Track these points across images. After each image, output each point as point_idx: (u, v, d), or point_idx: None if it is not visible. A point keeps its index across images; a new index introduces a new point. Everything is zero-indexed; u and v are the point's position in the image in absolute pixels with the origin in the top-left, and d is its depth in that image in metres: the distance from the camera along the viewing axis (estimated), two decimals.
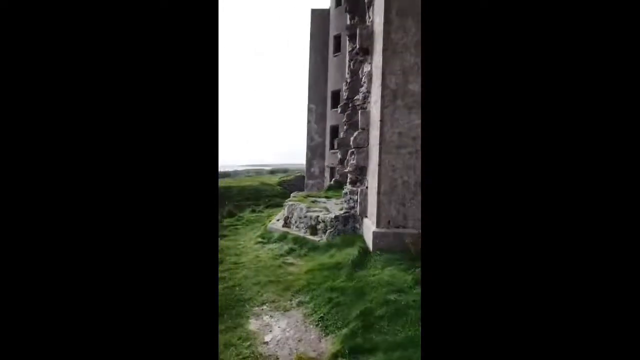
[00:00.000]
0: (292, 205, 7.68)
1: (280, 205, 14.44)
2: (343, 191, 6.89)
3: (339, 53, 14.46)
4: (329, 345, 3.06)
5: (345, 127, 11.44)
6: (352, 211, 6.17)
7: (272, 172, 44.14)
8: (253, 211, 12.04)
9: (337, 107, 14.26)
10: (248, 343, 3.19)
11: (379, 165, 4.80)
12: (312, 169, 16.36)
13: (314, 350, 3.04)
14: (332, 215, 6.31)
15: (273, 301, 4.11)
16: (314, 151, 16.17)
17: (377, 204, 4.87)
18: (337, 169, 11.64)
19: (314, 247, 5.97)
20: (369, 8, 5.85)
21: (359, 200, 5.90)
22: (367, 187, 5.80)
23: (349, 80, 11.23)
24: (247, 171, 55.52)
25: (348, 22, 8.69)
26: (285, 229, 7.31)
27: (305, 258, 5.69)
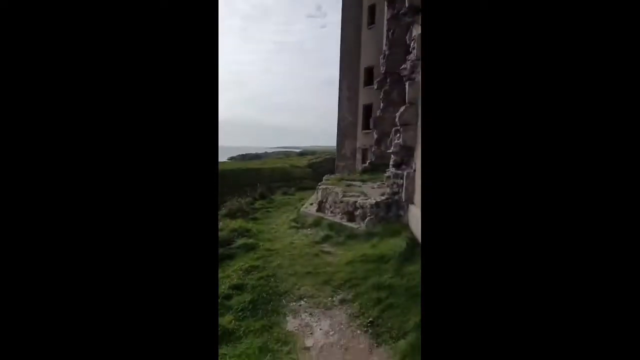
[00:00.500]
0: (326, 189, 7.13)
1: (311, 188, 14.02)
2: (386, 174, 6.19)
3: (374, 25, 13.22)
4: None
5: (382, 104, 10.53)
6: (396, 197, 5.48)
7: (301, 154, 43.94)
8: (284, 194, 11.72)
9: (371, 84, 13.26)
10: (287, 348, 2.75)
11: None
12: (343, 151, 15.63)
13: None
14: (372, 201, 5.68)
15: (311, 296, 3.64)
16: (345, 132, 15.36)
17: None
18: (373, 149, 10.86)
19: (352, 235, 5.42)
20: None
21: (404, 184, 5.19)
22: (414, 170, 5.06)
23: (387, 53, 10.19)
24: (277, 153, 55.87)
25: None
26: (320, 214, 6.81)
27: (343, 247, 5.16)
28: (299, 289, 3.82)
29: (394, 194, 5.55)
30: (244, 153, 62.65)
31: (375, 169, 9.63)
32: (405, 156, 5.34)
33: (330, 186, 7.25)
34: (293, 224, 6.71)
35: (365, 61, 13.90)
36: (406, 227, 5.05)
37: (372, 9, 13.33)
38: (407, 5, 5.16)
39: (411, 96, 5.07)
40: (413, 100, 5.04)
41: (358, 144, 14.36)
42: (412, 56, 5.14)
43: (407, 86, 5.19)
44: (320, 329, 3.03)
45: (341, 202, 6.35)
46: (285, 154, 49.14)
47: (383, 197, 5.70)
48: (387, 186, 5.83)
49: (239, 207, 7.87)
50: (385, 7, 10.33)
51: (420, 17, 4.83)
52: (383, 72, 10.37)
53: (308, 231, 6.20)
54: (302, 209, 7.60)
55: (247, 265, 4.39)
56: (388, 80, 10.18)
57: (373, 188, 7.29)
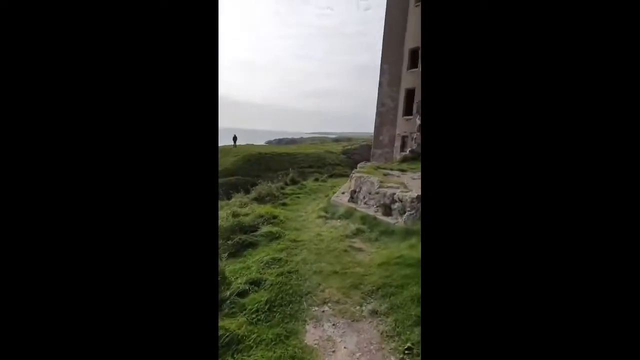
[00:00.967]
0: (360, 177, 6.47)
1: (344, 175, 13.38)
2: None
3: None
4: None
5: None
6: None
7: (337, 140, 43.11)
8: (316, 180, 11.22)
9: (415, 67, 12.05)
10: None
11: None
12: (381, 137, 14.65)
13: None
14: (414, 194, 4.93)
15: (337, 301, 3.11)
16: (384, 117, 14.33)
17: None
18: (415, 137, 9.88)
19: (388, 232, 4.76)
20: None
21: None
22: None
23: None
24: (312, 139, 55.58)
25: None
26: (352, 205, 6.20)
27: (376, 244, 4.54)
28: (323, 290, 3.31)
29: None
30: (281, 137, 63.27)
31: (417, 158, 8.71)
32: None
33: (365, 175, 6.58)
34: (322, 213, 6.19)
35: (410, 42, 12.63)
36: None
37: None
38: None
39: None
40: None
41: (398, 131, 13.32)
42: None
43: None
44: (344, 347, 2.49)
45: (377, 193, 5.67)
46: (321, 140, 48.67)
47: None
48: None
49: (269, 192, 7.53)
50: None
51: None
52: None
53: (338, 222, 5.64)
54: (333, 198, 7.05)
55: (268, 256, 3.96)
56: None
57: (414, 179, 6.48)
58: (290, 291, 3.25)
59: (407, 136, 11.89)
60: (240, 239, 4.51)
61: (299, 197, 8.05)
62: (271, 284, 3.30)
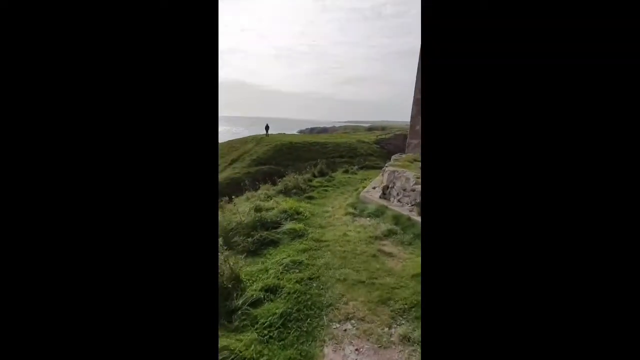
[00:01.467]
0: (394, 172, 5.88)
1: (376, 167, 12.72)
2: None
3: None
4: None
5: None
6: None
7: (370, 129, 41.80)
8: (346, 172, 10.72)
9: None
10: None
11: None
12: (418, 127, 13.63)
13: None
14: None
15: (362, 319, 2.69)
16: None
17: None
18: None
19: None
20: None
21: None
22: None
23: None
24: (345, 127, 54.53)
25: None
26: (383, 202, 5.66)
27: (410, 249, 4.02)
28: (346, 303, 2.90)
29: None
30: (313, 126, 62.96)
31: None
32: None
33: (399, 169, 5.97)
34: (350, 209, 5.73)
35: None
36: None
37: None
38: None
39: None
40: None
41: None
42: None
43: None
44: None
45: (412, 190, 5.08)
46: (353, 129, 47.57)
47: None
48: None
49: (295, 184, 7.21)
50: None
51: None
52: None
53: (367, 221, 5.16)
54: (362, 193, 6.54)
55: (289, 258, 3.62)
56: None
57: None
58: (309, 302, 2.88)
59: None
60: (261, 236, 4.22)
61: (326, 191, 7.64)
62: (288, 293, 2.96)
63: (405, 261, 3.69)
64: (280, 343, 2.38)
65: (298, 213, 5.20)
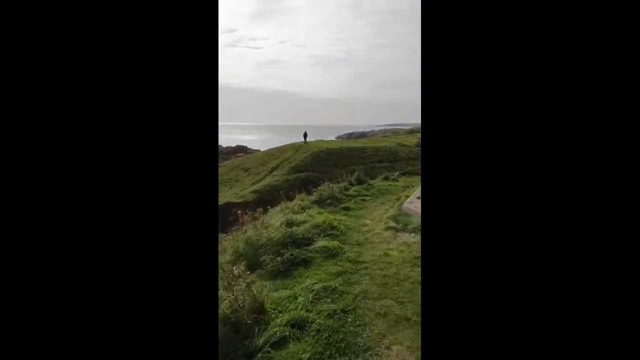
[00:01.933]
0: None
1: (419, 173, 11.80)
2: None
3: None
4: None
5: None
6: None
7: (411, 131, 40.01)
8: (386, 178, 10.02)
9: None
10: None
11: None
12: None
13: None
14: None
15: None
16: None
17: None
18: None
19: None
20: None
21: None
22: None
23: None
24: (384, 131, 53.03)
25: None
26: None
27: None
28: (388, 348, 2.36)
29: None
30: (351, 132, 62.36)
31: None
32: None
33: None
34: (391, 223, 5.12)
35: None
36: None
37: None
38: None
39: None
40: None
41: None
42: None
43: None
44: None
45: None
46: (393, 132, 46.00)
47: None
48: None
49: (331, 194, 6.77)
50: None
51: None
52: None
53: (411, 237, 4.51)
54: (405, 204, 5.88)
55: (320, 284, 3.17)
56: None
57: None
58: (343, 344, 2.39)
59: None
60: (291, 254, 3.84)
61: (364, 201, 7.08)
62: (318, 330, 2.50)
63: None
64: None
65: (332, 228, 4.74)
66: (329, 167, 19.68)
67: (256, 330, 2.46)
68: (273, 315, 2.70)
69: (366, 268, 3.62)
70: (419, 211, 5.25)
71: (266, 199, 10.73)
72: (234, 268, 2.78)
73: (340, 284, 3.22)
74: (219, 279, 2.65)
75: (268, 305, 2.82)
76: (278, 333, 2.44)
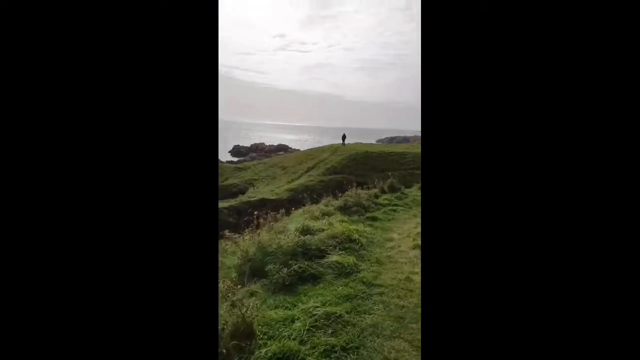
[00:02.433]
0: None
1: None
2: None
3: None
4: None
5: None
6: None
7: None
8: None
9: None
10: None
11: None
12: None
13: None
14: None
15: None
16: None
17: None
18: None
19: None
20: None
21: None
22: None
23: None
24: None
25: None
26: None
27: None
28: None
29: None
30: (393, 136, 60.30)
31: None
32: None
33: None
34: (420, 240, 4.44)
35: None
36: None
37: None
38: None
39: None
40: None
41: None
42: None
43: None
44: None
45: None
46: None
47: None
48: None
49: (357, 201, 6.22)
50: None
51: None
52: None
53: None
54: None
55: (324, 308, 2.70)
56: None
57: None
58: None
59: None
60: (300, 267, 3.42)
61: (394, 211, 6.40)
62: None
63: None
64: None
65: (351, 240, 4.22)
66: (365, 170, 18.98)
67: (237, 358, 2.08)
68: (260, 342, 2.30)
69: (382, 294, 3.06)
70: None
71: (298, 198, 10.59)
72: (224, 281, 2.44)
73: (348, 311, 2.72)
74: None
75: (259, 327, 2.43)
76: None
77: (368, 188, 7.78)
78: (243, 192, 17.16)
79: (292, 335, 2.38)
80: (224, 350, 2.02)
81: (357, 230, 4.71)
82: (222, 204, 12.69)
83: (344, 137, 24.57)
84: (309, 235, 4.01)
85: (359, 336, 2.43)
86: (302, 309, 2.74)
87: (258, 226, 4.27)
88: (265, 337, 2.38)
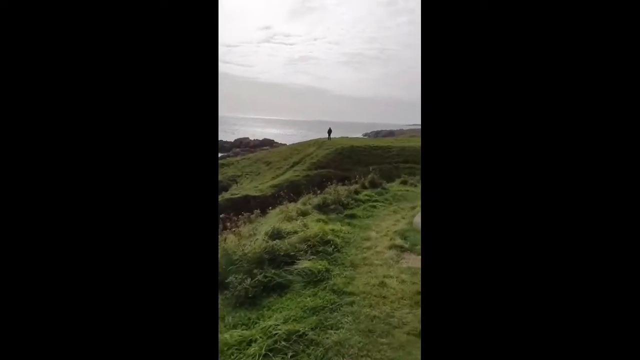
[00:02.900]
0: None
1: None
2: None
3: None
4: None
5: None
6: None
7: None
8: (404, 182, 8.94)
9: None
10: None
11: None
12: None
13: None
14: None
15: None
16: None
17: None
18: None
19: None
20: None
21: None
22: None
23: None
24: (413, 130, 50.44)
25: None
26: None
27: None
28: None
29: None
30: (379, 130, 60.32)
31: None
32: None
33: None
34: (398, 240, 4.20)
35: None
36: None
37: None
38: None
39: None
40: None
41: None
42: None
43: None
44: None
45: None
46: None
47: None
48: None
49: (336, 198, 5.94)
50: None
51: None
52: None
53: (418, 261, 3.59)
54: (417, 217, 4.91)
55: (286, 326, 2.40)
56: None
57: None
58: None
59: None
60: (265, 276, 3.11)
61: (374, 207, 6.16)
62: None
63: None
64: None
65: (325, 243, 3.93)
66: (351, 164, 18.77)
67: None
68: None
69: (352, 303, 2.79)
70: None
71: (285, 194, 10.34)
72: None
73: (313, 328, 2.43)
74: None
75: None
76: None
77: (354, 182, 7.50)
78: (226, 189, 16.62)
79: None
80: None
81: (334, 230, 4.43)
82: None
83: (329, 131, 24.23)
84: (278, 240, 3.69)
85: (322, 358, 2.15)
86: (262, 327, 2.43)
87: (225, 229, 3.92)
88: None
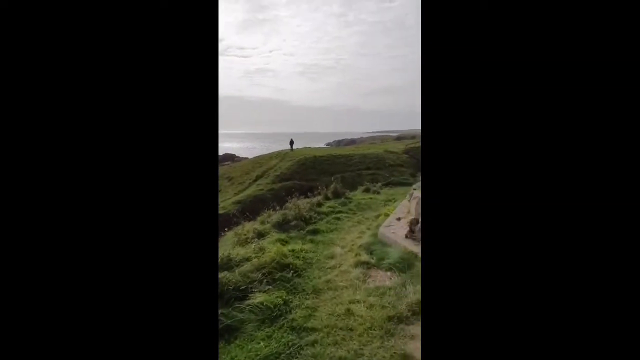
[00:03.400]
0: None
1: (404, 184, 10.61)
2: None
3: None
4: None
5: None
6: None
7: (399, 138, 39.09)
8: (367, 190, 8.78)
9: None
10: None
11: None
12: None
13: None
14: None
15: None
16: None
17: None
18: None
19: None
20: None
21: None
22: None
23: None
24: (372, 138, 52.05)
25: None
26: (410, 244, 3.73)
27: None
28: None
29: None
30: (340, 139, 61.43)
31: None
32: None
33: None
34: (364, 255, 3.86)
35: None
36: None
37: None
38: None
39: None
40: None
41: None
42: None
43: None
44: None
45: None
46: (381, 139, 45.19)
47: None
48: None
49: (297, 213, 5.49)
50: None
51: None
52: None
53: (386, 278, 3.27)
54: (382, 227, 4.63)
55: None
56: None
57: None
58: None
59: None
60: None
61: (338, 219, 5.81)
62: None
63: None
64: None
65: (283, 267, 3.45)
66: (315, 175, 18.49)
67: None
68: None
69: (314, 343, 2.34)
70: (397, 238, 4.02)
71: (251, 209, 9.69)
72: None
73: None
74: None
75: None
76: None
77: (317, 194, 7.10)
78: None
79: None
80: None
81: (294, 251, 3.96)
82: None
83: (291, 143, 23.86)
84: (226, 272, 3.13)
85: None
86: None
87: None
88: None
